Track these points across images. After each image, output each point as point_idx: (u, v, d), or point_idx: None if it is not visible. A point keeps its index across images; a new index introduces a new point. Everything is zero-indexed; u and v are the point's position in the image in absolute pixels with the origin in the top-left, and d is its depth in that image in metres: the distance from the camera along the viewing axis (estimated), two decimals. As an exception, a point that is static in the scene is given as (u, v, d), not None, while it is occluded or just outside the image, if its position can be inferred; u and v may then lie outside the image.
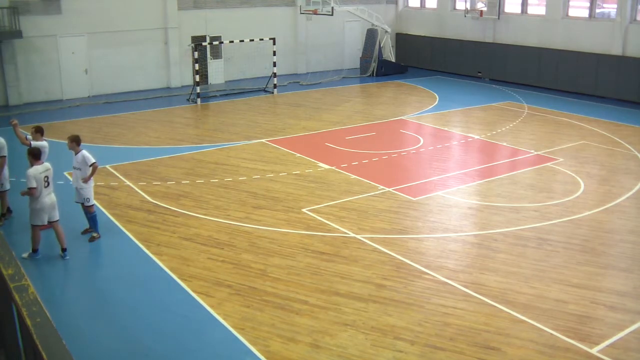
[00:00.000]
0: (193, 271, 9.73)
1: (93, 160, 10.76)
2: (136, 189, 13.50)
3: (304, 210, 12.27)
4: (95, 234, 11.03)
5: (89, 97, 23.60)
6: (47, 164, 10.14)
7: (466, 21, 28.39)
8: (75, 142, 10.82)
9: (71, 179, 11.63)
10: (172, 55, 25.40)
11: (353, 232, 11.18)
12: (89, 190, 10.85)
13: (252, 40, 24.89)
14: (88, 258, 10.72)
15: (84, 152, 10.80)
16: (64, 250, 10.33)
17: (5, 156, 11.39)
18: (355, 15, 28.11)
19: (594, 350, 7.64)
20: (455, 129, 19.14)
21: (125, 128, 19.11)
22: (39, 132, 11.20)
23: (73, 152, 10.87)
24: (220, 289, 9.14)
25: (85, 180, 10.73)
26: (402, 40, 31.56)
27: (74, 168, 10.88)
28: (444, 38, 29.46)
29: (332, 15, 25.69)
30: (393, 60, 29.66)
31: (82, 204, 10.93)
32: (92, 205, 10.98)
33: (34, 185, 9.63)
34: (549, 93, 24.43)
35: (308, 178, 14.23)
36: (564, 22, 24.63)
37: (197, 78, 22.96)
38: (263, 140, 17.58)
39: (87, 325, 8.33)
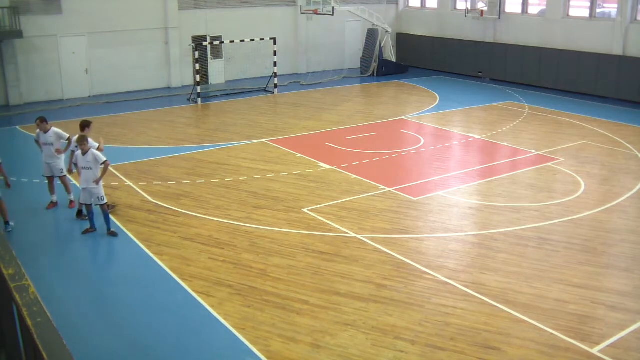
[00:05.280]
0: (193, 271, 9.73)
1: (104, 159, 10.76)
2: (137, 189, 13.50)
3: (304, 210, 12.27)
4: (112, 230, 11.15)
5: (89, 97, 23.60)
6: None
7: (467, 21, 28.38)
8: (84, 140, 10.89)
9: (78, 179, 11.59)
10: (173, 55, 25.40)
11: (353, 232, 11.17)
12: (100, 188, 10.91)
13: (253, 40, 24.89)
14: (88, 258, 10.74)
15: (93, 150, 10.80)
16: (6, 222, 11.11)
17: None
18: (356, 15, 28.10)
19: (595, 350, 7.64)
20: (456, 129, 19.13)
21: (126, 128, 19.12)
22: (44, 121, 12.08)
23: (80, 152, 10.85)
24: (221, 289, 9.14)
25: (97, 182, 10.74)
26: (403, 40, 31.55)
27: (84, 168, 10.81)
28: (444, 38, 29.45)
29: (332, 15, 25.69)
30: (394, 60, 29.65)
31: (98, 204, 10.96)
32: (106, 202, 11.03)
33: None
34: (549, 93, 24.42)
35: (308, 178, 14.23)
36: (565, 22, 24.63)
37: (198, 78, 22.96)
38: (264, 140, 17.58)
39: (87, 325, 8.33)
